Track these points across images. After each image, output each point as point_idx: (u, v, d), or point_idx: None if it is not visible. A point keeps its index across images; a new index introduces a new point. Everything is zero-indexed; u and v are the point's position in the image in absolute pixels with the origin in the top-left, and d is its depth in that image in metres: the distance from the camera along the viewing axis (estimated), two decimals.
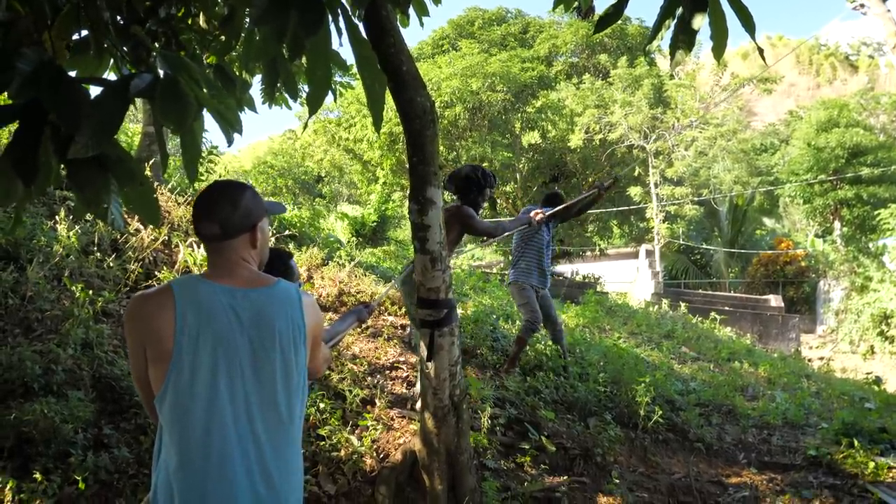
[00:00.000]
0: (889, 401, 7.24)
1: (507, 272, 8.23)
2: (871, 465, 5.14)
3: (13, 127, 1.74)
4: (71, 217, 5.27)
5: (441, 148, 22.68)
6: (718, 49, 2.79)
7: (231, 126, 1.71)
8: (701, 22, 2.72)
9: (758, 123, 60.76)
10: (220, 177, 9.68)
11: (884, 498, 4.76)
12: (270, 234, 6.90)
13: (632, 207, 22.49)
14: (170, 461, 1.73)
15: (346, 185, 37.04)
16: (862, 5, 10.21)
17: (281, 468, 1.80)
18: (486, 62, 21.35)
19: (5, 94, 1.67)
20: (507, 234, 5.17)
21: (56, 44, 2.19)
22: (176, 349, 1.71)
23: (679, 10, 2.77)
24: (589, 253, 26.68)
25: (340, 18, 1.71)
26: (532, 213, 5.56)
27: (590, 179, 22.87)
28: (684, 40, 2.75)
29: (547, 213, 5.72)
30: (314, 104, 1.71)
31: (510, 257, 6.47)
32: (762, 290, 24.84)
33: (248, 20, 2.32)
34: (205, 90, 1.78)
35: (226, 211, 1.82)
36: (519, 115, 21.63)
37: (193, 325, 1.73)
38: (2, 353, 3.74)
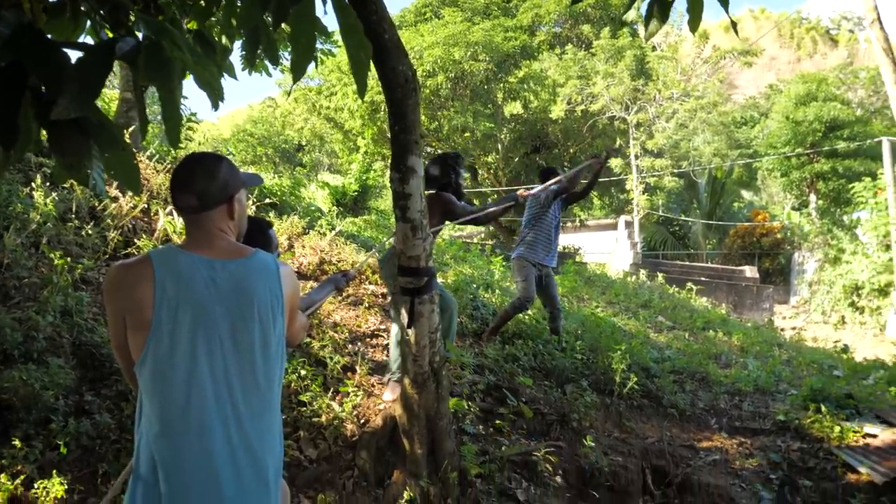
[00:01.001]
0: (856, 368, 7.47)
1: (486, 242, 8.23)
2: (837, 429, 5.34)
3: None
4: (48, 184, 5.22)
5: (423, 118, 22.58)
6: (694, 22, 2.82)
7: (214, 92, 1.72)
8: None
9: (739, 96, 60.91)
10: (198, 144, 9.58)
11: (847, 460, 4.95)
12: (251, 203, 6.89)
13: (612, 179, 22.57)
14: (150, 428, 1.77)
15: (326, 154, 36.76)
16: None
17: (259, 433, 1.84)
18: (468, 31, 21.13)
19: None
20: (494, 215, 5.04)
21: (34, 6, 2.17)
22: (155, 318, 1.74)
23: None
24: (570, 224, 26.83)
25: None
26: (519, 192, 5.49)
27: (571, 151, 22.90)
28: (659, 11, 2.77)
29: (533, 190, 5.69)
30: (298, 71, 1.72)
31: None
32: (739, 262, 25.20)
33: None
34: (187, 55, 1.78)
35: (203, 182, 1.84)
36: (501, 85, 21.50)
37: (173, 294, 1.76)
38: None
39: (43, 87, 1.77)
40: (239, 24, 2.00)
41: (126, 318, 1.78)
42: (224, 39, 3.23)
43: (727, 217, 28.76)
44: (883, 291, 18.39)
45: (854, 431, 5.34)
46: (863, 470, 4.74)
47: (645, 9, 2.75)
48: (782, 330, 14.54)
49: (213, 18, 3.16)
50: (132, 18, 2.65)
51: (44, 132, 1.83)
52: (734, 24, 2.83)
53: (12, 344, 3.74)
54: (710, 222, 27.52)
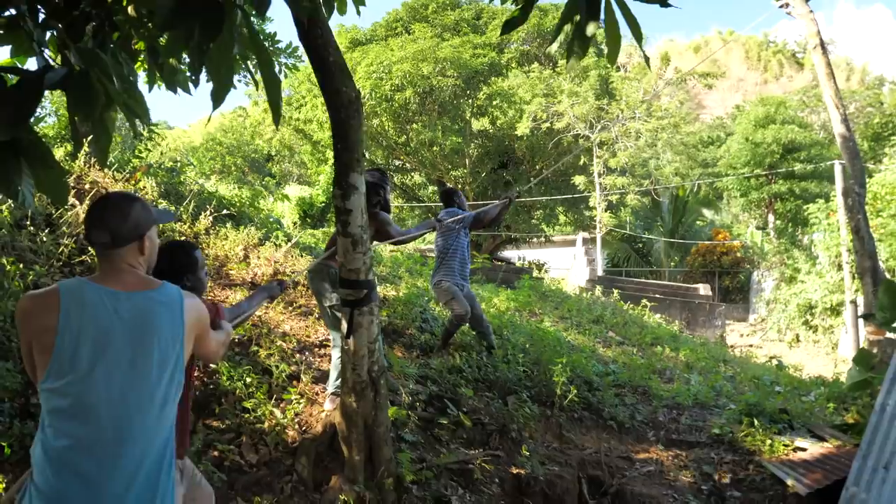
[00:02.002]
0: (794, 384, 7.78)
1: None
2: (769, 442, 5.58)
3: None
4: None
5: (391, 131, 22.81)
6: (612, 55, 3.03)
7: (139, 117, 1.87)
8: (594, 29, 2.93)
9: (706, 116, 62.31)
10: (161, 154, 9.65)
11: (775, 472, 5.19)
12: (209, 214, 7.00)
13: (576, 196, 22.98)
14: (47, 439, 1.93)
15: (296, 164, 36.71)
16: (787, 5, 10.69)
17: (150, 448, 2.00)
18: (437, 47, 21.44)
19: None
20: (414, 237, 5.33)
21: None
22: (58, 343, 1.91)
23: (576, 17, 2.98)
24: (535, 239, 27.16)
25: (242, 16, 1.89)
26: (435, 220, 5.88)
27: (537, 167, 23.27)
28: (579, 45, 2.97)
29: (447, 221, 5.96)
30: (217, 100, 1.88)
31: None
32: (699, 279, 25.75)
33: None
34: (116, 83, 1.92)
35: (115, 222, 2.03)
36: (469, 100, 21.83)
37: (76, 322, 1.93)
38: None
39: None
40: (164, 54, 2.15)
41: (32, 342, 1.96)
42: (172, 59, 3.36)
43: (689, 235, 29.40)
44: (835, 310, 18.99)
45: (785, 445, 5.59)
46: (789, 482, 4.95)
47: (566, 45, 2.95)
48: (733, 347, 14.95)
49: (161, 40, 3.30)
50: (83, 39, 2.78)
51: None
52: (647, 59, 3.05)
53: None
54: (673, 240, 28.09)
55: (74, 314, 1.93)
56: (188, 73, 3.20)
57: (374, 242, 4.82)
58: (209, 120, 2.05)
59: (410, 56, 20.83)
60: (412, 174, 26.84)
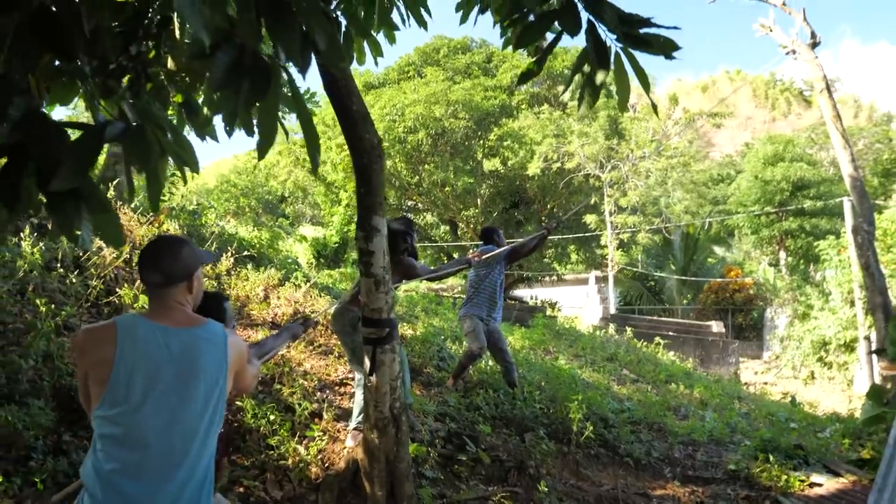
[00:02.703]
0: (808, 420, 7.78)
1: (459, 297, 8.54)
2: (784, 478, 5.61)
3: None
4: (35, 234, 5.49)
5: (404, 172, 23.17)
6: (622, 103, 3.19)
7: (188, 166, 2.05)
8: (603, 78, 3.09)
9: (716, 154, 62.72)
10: (182, 196, 9.92)
11: None
12: (230, 256, 7.20)
13: (588, 235, 23.13)
14: (98, 461, 2.08)
15: (309, 205, 37.18)
16: (794, 51, 10.95)
17: (189, 469, 2.15)
18: (449, 90, 21.91)
19: None
20: (447, 274, 5.60)
21: (39, 86, 2.51)
22: (114, 374, 2.07)
23: (587, 67, 3.16)
24: (547, 278, 27.24)
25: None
26: (470, 254, 6.02)
27: (548, 206, 23.50)
28: (590, 93, 3.13)
29: (482, 255, 6.12)
30: (262, 151, 2.06)
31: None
32: (712, 317, 25.66)
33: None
34: (168, 134, 2.10)
35: (167, 263, 2.21)
36: (480, 141, 22.19)
37: (130, 356, 2.09)
38: None
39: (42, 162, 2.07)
40: (214, 109, 2.32)
41: (89, 372, 2.12)
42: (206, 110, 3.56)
43: (701, 273, 29.41)
44: (849, 347, 18.86)
45: (800, 480, 5.61)
46: None
47: (579, 92, 3.12)
48: (747, 384, 14.87)
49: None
50: (125, 92, 2.99)
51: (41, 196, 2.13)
52: (655, 107, 3.22)
53: None
54: (684, 278, 28.09)
55: (129, 348, 2.09)
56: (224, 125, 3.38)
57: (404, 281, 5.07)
58: (255, 168, 2.22)
59: (423, 99, 21.27)
60: (424, 214, 27.12)
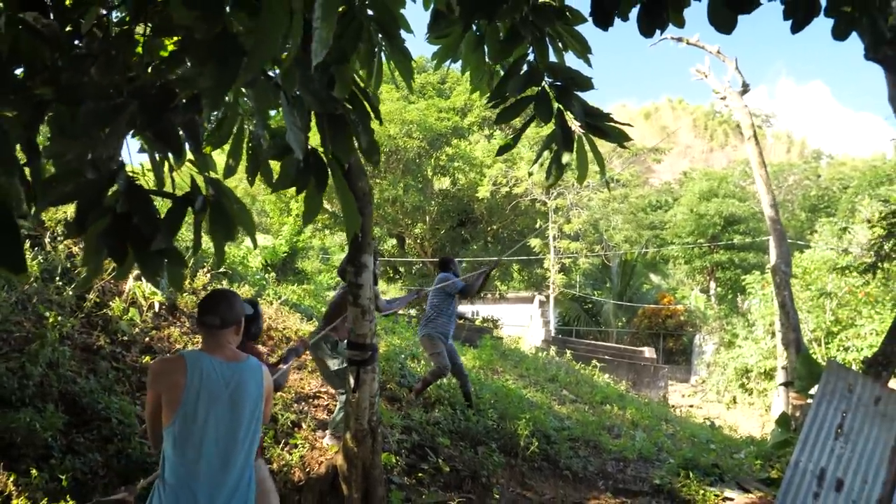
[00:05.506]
0: (726, 442, 8.69)
1: (413, 317, 9.17)
2: (702, 493, 6.41)
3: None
4: (35, 248, 5.89)
5: None
6: (581, 177, 3.90)
7: (249, 235, 2.66)
8: (568, 158, 3.78)
9: (655, 180, 65.02)
10: None
11: None
12: (207, 272, 7.64)
13: (531, 258, 24.03)
14: (170, 475, 2.68)
15: (257, 213, 37.03)
16: (724, 98, 12.02)
17: (239, 471, 2.78)
18: (404, 109, 22.49)
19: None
20: (400, 307, 6.44)
21: None
22: (185, 398, 2.67)
23: (553, 146, 3.86)
24: (489, 295, 28.03)
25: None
26: (421, 290, 7.07)
27: (494, 227, 24.34)
28: (556, 169, 3.83)
29: (431, 288, 6.97)
30: (307, 220, 2.70)
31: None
32: (645, 341, 26.91)
33: (236, 126, 3.10)
34: (239, 209, 2.70)
35: (224, 310, 2.84)
36: (432, 161, 22.84)
37: (196, 383, 2.69)
38: None
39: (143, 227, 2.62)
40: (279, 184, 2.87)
41: (163, 395, 2.71)
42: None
43: (637, 298, 30.72)
44: (768, 375, 20.16)
45: (716, 495, 6.42)
46: None
47: (546, 167, 3.81)
48: (674, 407, 15.87)
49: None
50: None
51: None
52: (608, 184, 3.95)
53: (10, 390, 4.40)
54: (620, 303, 29.34)
55: (196, 377, 2.69)
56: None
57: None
58: (299, 234, 2.80)
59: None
60: (374, 228, 27.48)
